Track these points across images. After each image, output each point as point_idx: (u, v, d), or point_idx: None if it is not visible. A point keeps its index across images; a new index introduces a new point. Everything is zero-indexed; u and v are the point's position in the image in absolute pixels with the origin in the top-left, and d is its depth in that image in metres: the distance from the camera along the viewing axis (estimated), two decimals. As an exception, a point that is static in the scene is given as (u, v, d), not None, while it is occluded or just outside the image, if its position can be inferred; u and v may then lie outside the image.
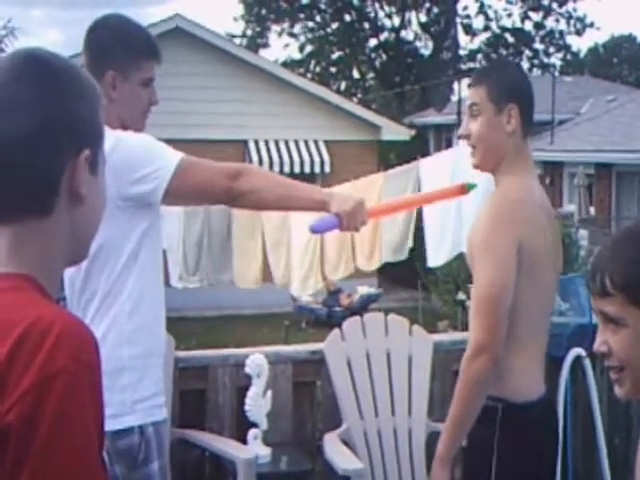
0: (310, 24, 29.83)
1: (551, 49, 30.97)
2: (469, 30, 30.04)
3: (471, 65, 28.62)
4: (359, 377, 3.17)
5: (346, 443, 3.04)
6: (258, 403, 2.98)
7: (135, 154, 1.91)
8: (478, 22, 30.61)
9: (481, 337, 1.87)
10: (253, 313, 11.59)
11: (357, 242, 4.67)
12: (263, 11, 29.08)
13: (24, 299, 0.94)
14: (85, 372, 0.89)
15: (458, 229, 4.15)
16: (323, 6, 29.08)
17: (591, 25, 30.61)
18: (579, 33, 30.61)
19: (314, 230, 1.97)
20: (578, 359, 3.28)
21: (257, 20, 29.49)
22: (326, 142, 13.62)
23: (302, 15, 29.36)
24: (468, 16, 29.85)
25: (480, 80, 2.03)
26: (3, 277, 0.96)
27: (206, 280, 4.95)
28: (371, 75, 30.72)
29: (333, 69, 30.59)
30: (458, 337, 3.47)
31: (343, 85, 30.24)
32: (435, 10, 29.18)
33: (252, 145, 13.48)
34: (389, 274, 12.02)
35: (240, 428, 3.04)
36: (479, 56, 29.57)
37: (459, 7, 29.16)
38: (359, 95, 28.42)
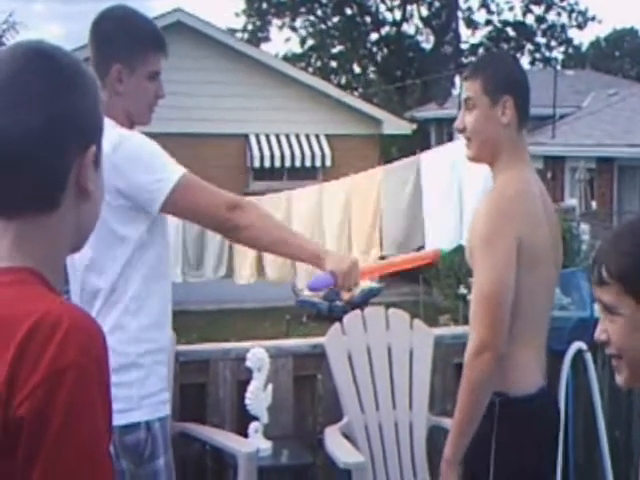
0: (311, 18, 29.78)
1: (553, 43, 30.92)
2: (471, 24, 29.99)
3: (472, 59, 28.56)
4: (360, 371, 3.17)
5: (347, 437, 3.04)
6: (259, 397, 2.99)
7: (139, 155, 1.89)
8: (480, 16, 30.60)
9: (483, 335, 1.87)
10: (254, 307, 11.60)
11: (354, 237, 4.67)
12: (264, 5, 29.03)
13: (31, 293, 0.94)
14: (94, 365, 0.89)
15: (458, 223, 4.15)
16: (324, 0, 29.02)
17: (593, 19, 30.56)
18: (581, 27, 30.56)
19: (311, 288, 2.02)
20: (579, 353, 3.28)
21: (258, 14, 29.44)
22: (327, 136, 13.62)
23: (303, 9, 29.30)
24: (470, 9, 29.82)
25: (475, 73, 2.03)
26: (8, 271, 0.96)
27: (207, 274, 4.95)
28: (372, 69, 30.67)
29: (334, 63, 30.54)
30: (459, 331, 3.46)
31: (344, 79, 30.18)
32: (436, 4, 29.12)
33: (253, 139, 13.47)
34: (390, 268, 12.00)
35: (241, 422, 3.04)
36: (480, 50, 29.50)
37: (460, 1, 29.12)
38: (360, 89, 28.36)
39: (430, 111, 21.18)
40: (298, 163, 13.44)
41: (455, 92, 22.04)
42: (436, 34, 29.04)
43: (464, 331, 2.66)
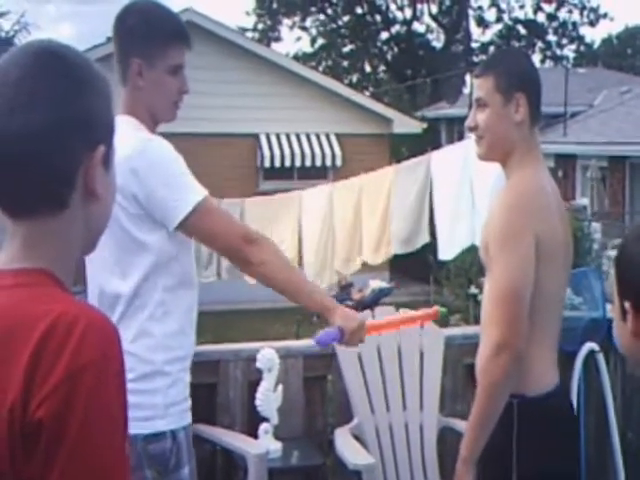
0: (321, 17, 29.78)
1: (564, 40, 30.76)
2: (481, 22, 29.88)
3: (483, 57, 28.46)
4: (370, 372, 3.16)
5: (357, 438, 3.03)
6: (269, 398, 2.98)
7: (161, 165, 1.83)
8: (490, 14, 30.49)
9: (503, 334, 1.85)
10: (266, 307, 11.58)
11: (365, 237, 4.66)
12: (274, 4, 29.04)
13: (45, 294, 0.94)
14: (111, 365, 0.90)
15: (470, 222, 4.13)
16: (334, -1, 29.03)
17: (605, 16, 30.37)
18: (592, 24, 30.39)
19: (319, 342, 2.02)
20: (591, 354, 3.26)
21: (268, 13, 29.46)
22: (337, 135, 13.60)
23: (313, 8, 29.29)
24: (480, 8, 29.73)
25: (487, 70, 2.00)
26: (21, 272, 0.96)
27: (220, 275, 4.96)
28: (383, 68, 30.63)
29: (345, 62, 30.51)
30: (470, 331, 3.45)
31: (355, 78, 30.16)
32: (447, 2, 29.03)
33: (263, 139, 13.47)
34: (400, 268, 12.00)
35: (251, 423, 3.04)
36: (491, 48, 29.39)
37: (471, -1, 29.04)
38: (371, 88, 28.32)
39: (441, 110, 21.13)
40: (308, 162, 13.43)
41: (466, 91, 21.97)
42: (447, 32, 28.96)
43: (475, 331, 2.64)
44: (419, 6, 29.09)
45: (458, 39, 28.97)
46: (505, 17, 29.93)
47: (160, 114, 1.95)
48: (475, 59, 27.65)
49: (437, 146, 8.08)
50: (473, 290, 9.34)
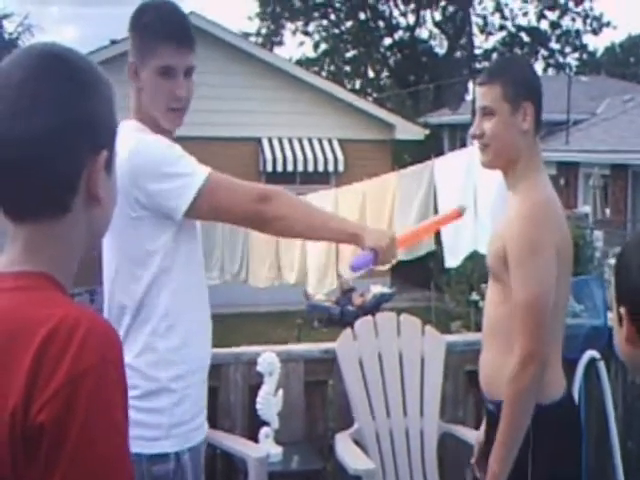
0: (325, 22, 29.82)
1: (567, 48, 30.78)
2: (484, 29, 29.93)
3: (486, 64, 28.49)
4: (371, 377, 3.16)
5: (358, 443, 3.03)
6: (269, 402, 2.98)
7: (156, 161, 1.76)
8: (493, 21, 30.43)
9: (531, 345, 1.86)
10: (267, 311, 11.60)
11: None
12: (278, 9, 29.10)
13: (46, 298, 0.94)
14: (112, 369, 0.90)
15: (473, 229, 4.13)
16: (338, 4, 29.06)
17: (608, 24, 30.40)
18: (595, 32, 30.41)
19: (354, 268, 1.93)
20: (592, 361, 3.26)
21: (272, 18, 29.51)
22: (340, 141, 13.61)
23: (316, 13, 29.35)
24: (483, 15, 29.75)
25: (493, 79, 1.99)
26: (23, 275, 0.96)
27: (222, 278, 4.96)
28: (385, 74, 30.66)
29: (347, 68, 30.56)
30: (471, 338, 3.45)
31: (357, 84, 30.20)
32: (450, 9, 29.09)
33: (266, 143, 13.49)
34: (402, 274, 11.99)
35: (251, 426, 3.04)
36: (494, 55, 29.43)
37: (474, 6, 29.08)
38: (373, 94, 28.36)
39: (443, 116, 21.14)
40: (311, 167, 13.45)
41: (468, 97, 21.99)
42: (450, 39, 29.00)
43: (476, 338, 2.65)
44: (422, 12, 29.16)
45: (461, 46, 29.01)
46: (508, 24, 29.99)
47: (159, 119, 1.86)
48: (478, 66, 27.68)
49: (439, 152, 8.09)
50: (474, 297, 9.33)
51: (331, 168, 13.54)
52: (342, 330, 3.26)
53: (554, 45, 30.49)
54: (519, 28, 30.06)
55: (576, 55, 31.35)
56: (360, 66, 30.39)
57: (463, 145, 17.26)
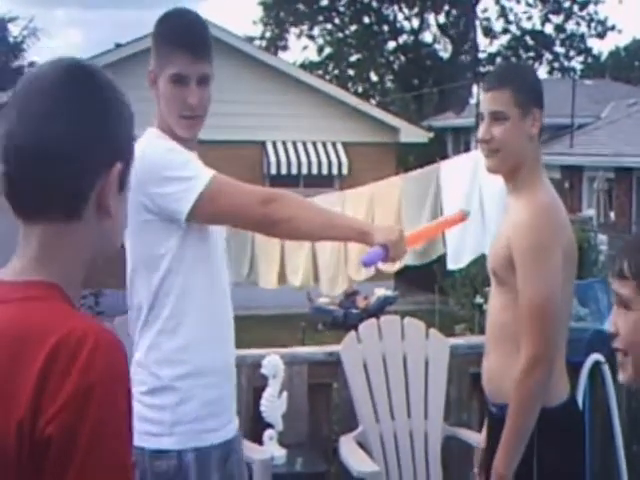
0: (329, 26, 29.85)
1: (572, 52, 30.75)
2: (489, 33, 29.92)
3: (490, 68, 28.48)
4: (375, 380, 3.16)
5: (362, 445, 3.03)
6: (274, 404, 2.98)
7: (157, 165, 1.78)
8: (498, 25, 30.45)
9: (539, 349, 1.87)
10: (271, 314, 11.61)
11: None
12: (282, 13, 29.14)
13: (55, 308, 0.95)
14: (119, 381, 0.91)
15: (480, 232, 4.12)
16: (342, 8, 29.09)
17: (612, 28, 30.37)
18: (600, 36, 30.38)
19: (366, 264, 1.93)
20: (597, 365, 3.25)
21: (276, 22, 29.55)
22: (344, 144, 13.63)
23: (321, 17, 29.38)
24: (487, 19, 29.76)
25: (503, 84, 1.99)
26: (32, 285, 0.97)
27: (234, 278, 4.94)
28: (389, 77, 30.68)
29: (351, 71, 30.58)
30: (475, 341, 3.44)
31: (361, 87, 30.21)
32: (454, 12, 29.10)
33: (270, 146, 13.51)
34: (406, 277, 11.99)
35: (256, 429, 3.04)
36: (498, 59, 29.43)
37: (479, 9, 29.09)
38: (377, 97, 28.37)
39: (447, 120, 21.16)
40: (315, 171, 13.46)
41: (472, 101, 21.97)
42: (454, 43, 29.01)
43: (480, 341, 2.64)
44: (426, 16, 29.18)
45: (465, 49, 29.02)
46: (513, 28, 29.97)
47: (173, 126, 1.86)
48: (482, 70, 27.68)
49: (444, 156, 8.10)
50: (478, 300, 9.32)
51: (335, 171, 13.55)
52: (346, 333, 3.26)
53: (559, 49, 30.48)
54: (524, 32, 30.04)
55: (580, 59, 31.34)
56: (364, 70, 30.41)
57: (467, 148, 17.28)
